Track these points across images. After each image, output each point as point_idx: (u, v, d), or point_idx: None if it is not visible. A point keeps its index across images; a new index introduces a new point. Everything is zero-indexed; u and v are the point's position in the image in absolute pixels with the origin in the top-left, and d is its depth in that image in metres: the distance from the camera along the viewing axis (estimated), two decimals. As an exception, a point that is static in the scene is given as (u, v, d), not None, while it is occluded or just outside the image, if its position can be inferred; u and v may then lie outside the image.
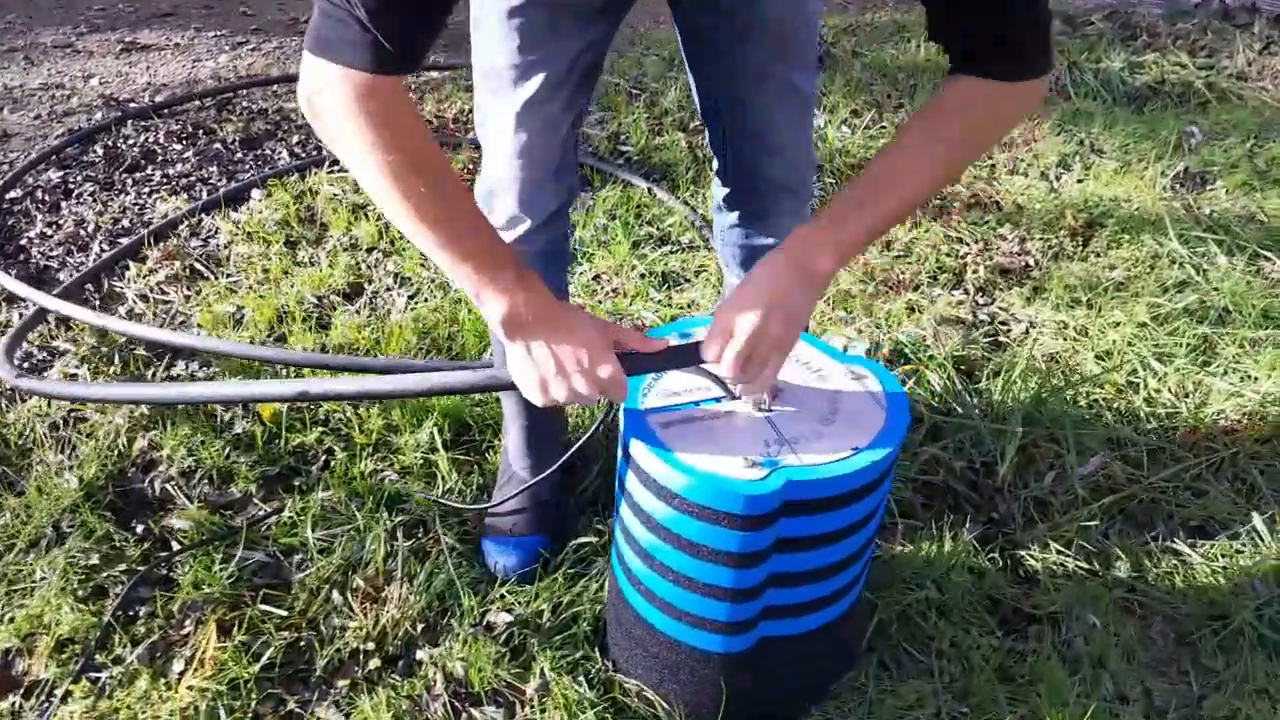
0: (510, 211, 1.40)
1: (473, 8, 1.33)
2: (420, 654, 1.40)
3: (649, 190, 2.58)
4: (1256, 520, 1.67)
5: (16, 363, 1.85)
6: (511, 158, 1.37)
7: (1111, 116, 3.14)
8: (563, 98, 1.34)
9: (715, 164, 1.53)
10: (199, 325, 2.04)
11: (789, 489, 1.08)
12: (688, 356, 1.17)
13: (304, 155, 2.76)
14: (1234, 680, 1.43)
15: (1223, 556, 1.62)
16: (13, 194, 2.57)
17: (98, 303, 2.14)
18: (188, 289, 2.17)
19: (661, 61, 3.37)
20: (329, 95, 0.99)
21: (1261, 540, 1.64)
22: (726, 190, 1.54)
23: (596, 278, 2.27)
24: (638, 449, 1.14)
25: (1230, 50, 3.86)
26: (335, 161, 2.66)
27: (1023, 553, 1.62)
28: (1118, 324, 2.12)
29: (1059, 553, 1.61)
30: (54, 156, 2.76)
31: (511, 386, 1.15)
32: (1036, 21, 1.02)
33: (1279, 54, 3.80)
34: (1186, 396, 1.95)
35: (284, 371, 1.86)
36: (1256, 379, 2.00)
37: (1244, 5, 4.75)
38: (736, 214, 1.56)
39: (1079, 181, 2.74)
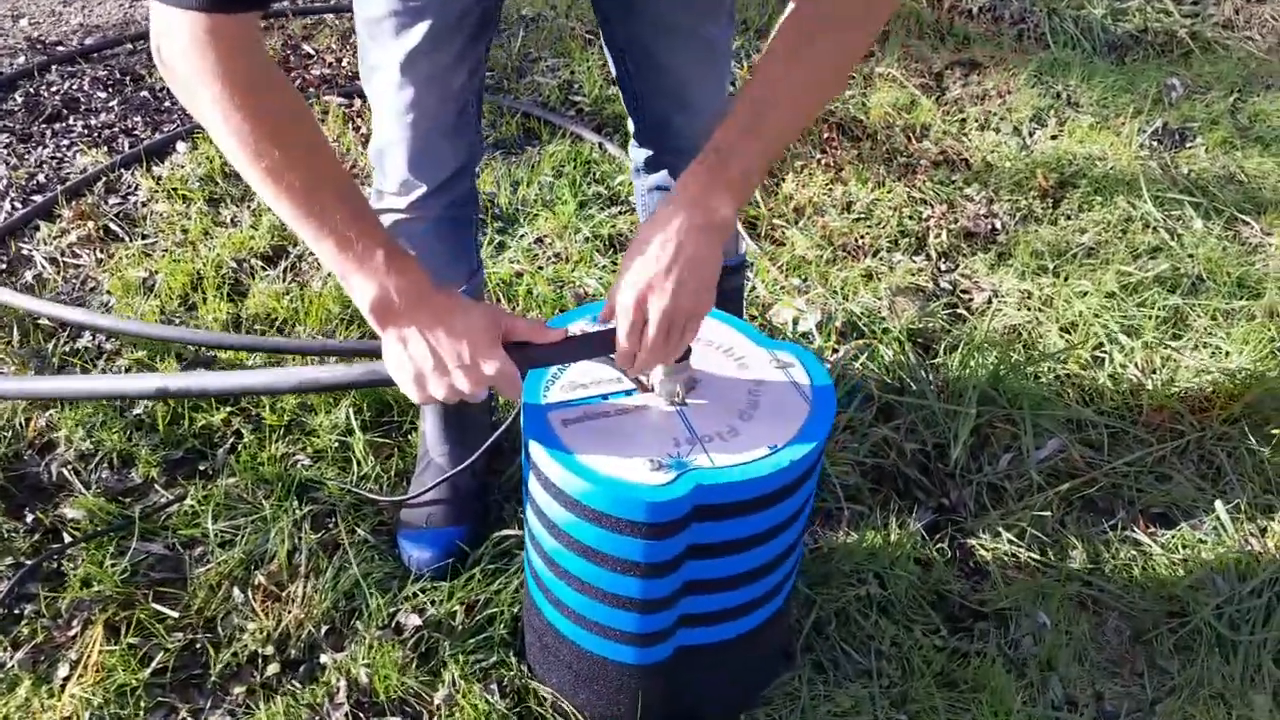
0: (401, 175, 1.29)
1: None
2: (323, 658, 1.30)
3: (599, 145, 2.44)
4: (1220, 509, 1.59)
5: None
6: (399, 114, 1.25)
7: (1090, 68, 3.00)
8: (453, 49, 1.21)
9: (630, 124, 1.42)
10: (108, 292, 1.91)
11: (698, 493, 0.98)
12: (591, 347, 1.06)
13: (236, 105, 2.60)
14: (1189, 684, 1.35)
15: (1184, 548, 1.54)
16: (-77, 145, 2.41)
17: (3, 266, 2.01)
18: (100, 251, 2.03)
19: None
20: (171, 41, 0.87)
21: (1224, 531, 1.56)
22: (645, 152, 1.44)
23: (539, 240, 2.14)
24: (536, 450, 1.03)
25: (1217, -3, 3.71)
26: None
27: (973, 543, 1.53)
28: (1085, 294, 2.01)
29: (1011, 543, 1.53)
30: (-31, 104, 2.59)
31: (390, 382, 1.04)
32: None
33: (1269, 1, 3.65)
34: (1154, 373, 1.86)
35: (187, 352, 1.75)
36: (1228, 354, 1.90)
37: (1234, -52, 4.59)
38: (656, 176, 1.46)
39: (1053, 138, 2.61)
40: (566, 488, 1.01)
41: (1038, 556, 1.51)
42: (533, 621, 1.23)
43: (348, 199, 0.96)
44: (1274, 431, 1.71)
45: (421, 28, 1.18)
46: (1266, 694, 1.35)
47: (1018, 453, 1.67)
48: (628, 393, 1.10)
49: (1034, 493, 1.60)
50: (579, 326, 1.13)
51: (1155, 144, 2.62)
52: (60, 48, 3.03)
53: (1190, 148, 2.63)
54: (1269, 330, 1.93)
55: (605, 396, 1.10)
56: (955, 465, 1.63)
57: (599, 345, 1.06)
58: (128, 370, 1.72)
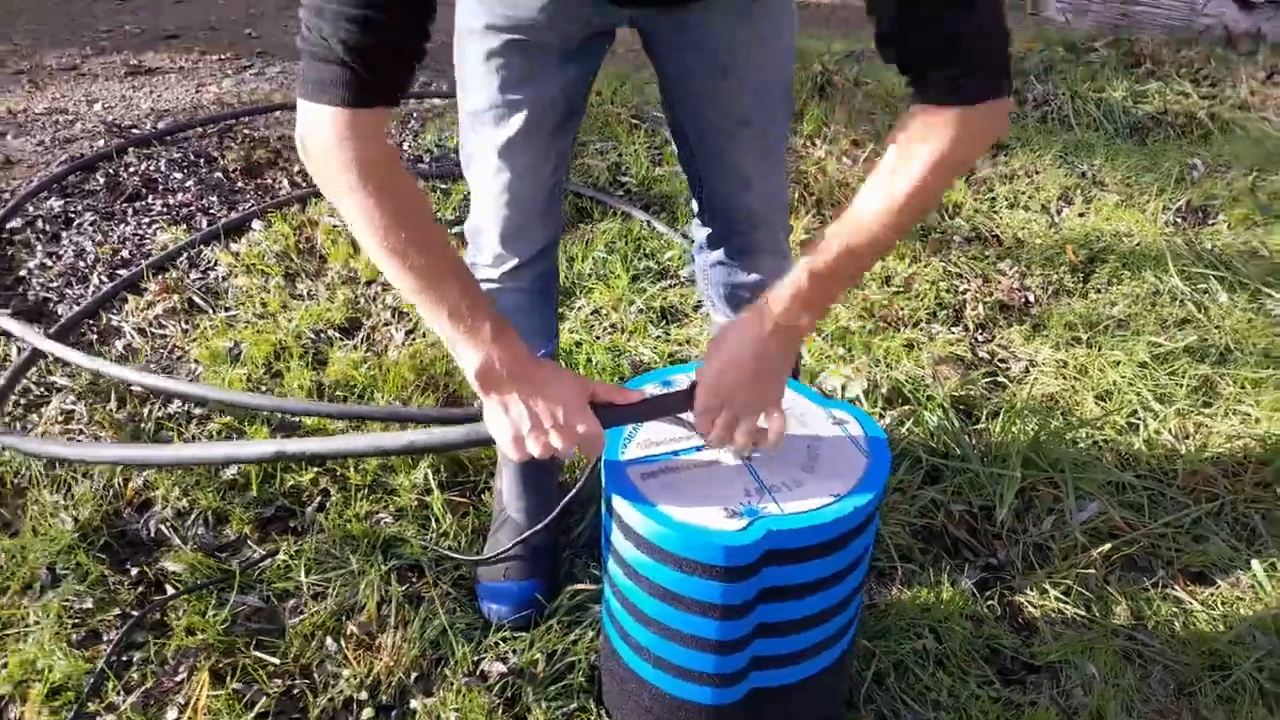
0: (495, 249, 1.42)
1: (455, 51, 1.34)
2: (414, 703, 1.39)
3: (648, 223, 2.58)
4: (1256, 567, 1.66)
5: (5, 413, 1.85)
6: (495, 196, 1.38)
7: (1113, 148, 3.13)
8: (543, 138, 1.35)
9: (694, 205, 1.54)
10: (196, 360, 2.04)
11: (770, 538, 1.08)
12: (666, 406, 1.17)
13: (304, 185, 2.76)
14: (1234, 735, 1.41)
15: (1223, 604, 1.61)
16: (13, 223, 2.57)
17: (95, 336, 2.14)
18: (185, 323, 2.17)
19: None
20: (317, 137, 1.00)
21: (1261, 588, 1.63)
22: (706, 230, 1.55)
23: (595, 312, 2.26)
24: (618, 502, 1.13)
25: (1234, 79, 3.86)
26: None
27: (1021, 599, 1.61)
28: (1118, 363, 2.11)
29: (1058, 600, 1.60)
30: (55, 185, 2.77)
31: (490, 442, 1.15)
32: (984, 31, 0.97)
33: (1281, 83, 3.80)
34: (1187, 438, 1.94)
35: (274, 418, 1.86)
36: (1258, 420, 1.99)
37: (1248, 32, 4.76)
38: (717, 253, 1.56)
39: (1080, 215, 2.74)
40: (648, 535, 1.11)
41: (1083, 612, 1.58)
42: (612, 667, 1.32)
43: (460, 276, 1.09)
44: (1306, 495, 1.78)
45: (517, 120, 1.32)
46: (1310, 746, 1.41)
47: (1060, 514, 1.75)
48: (698, 448, 1.21)
49: (1078, 552, 1.68)
50: (650, 389, 1.24)
51: (1179, 221, 2.73)
52: (135, 131, 3.23)
53: (1213, 224, 2.74)
54: (1297, 398, 2.02)
55: (677, 453, 1.20)
56: (1001, 526, 1.72)
57: (672, 406, 1.17)
58: (222, 435, 1.84)
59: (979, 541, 1.70)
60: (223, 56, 4.26)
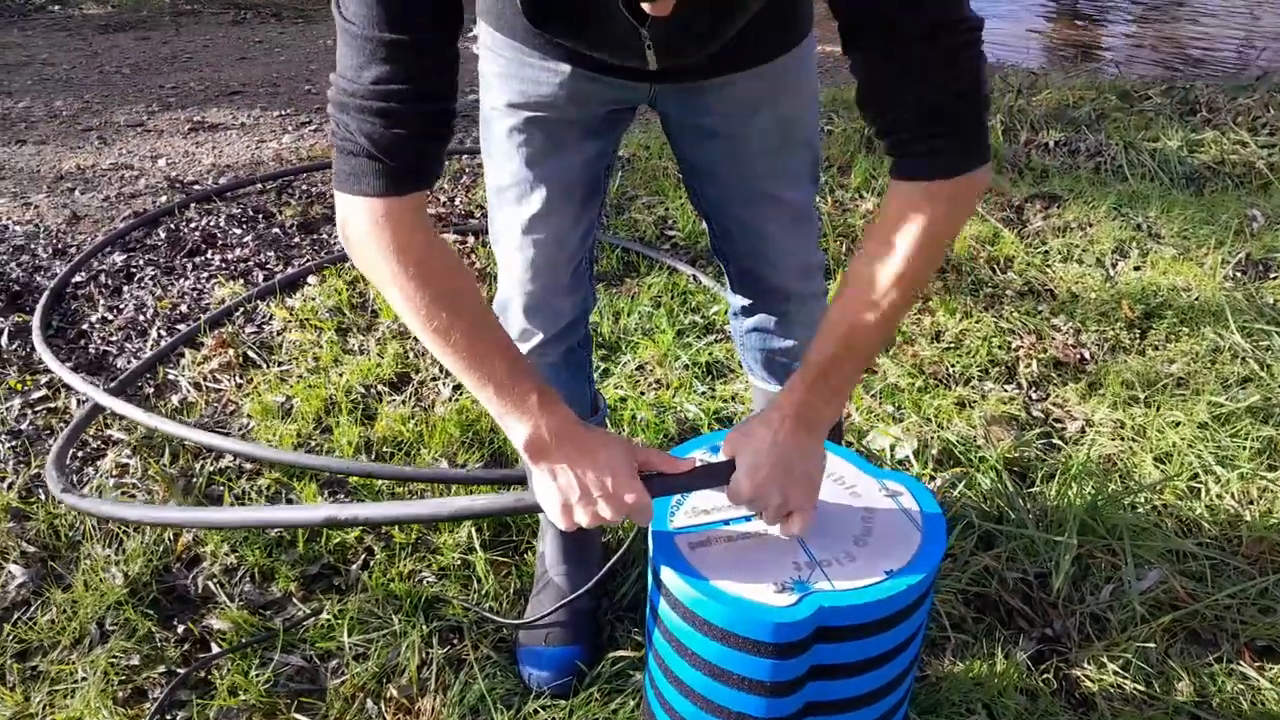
0: (521, 324, 1.42)
1: (481, 129, 1.36)
2: (452, 771, 1.37)
3: (693, 277, 2.58)
4: (1329, 642, 1.59)
5: (68, 469, 1.89)
6: (520, 272, 1.38)
7: (1169, 199, 3.08)
8: (569, 213, 1.35)
9: (725, 276, 1.53)
10: (249, 415, 2.07)
11: (821, 615, 1.05)
12: (715, 476, 1.16)
13: (358, 240, 2.81)
14: (1308, 824, 1.34)
15: (1294, 682, 1.54)
16: (78, 277, 2.65)
17: (152, 390, 2.19)
18: (239, 377, 2.21)
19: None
20: (354, 226, 1.02)
21: (1335, 665, 1.56)
22: (740, 299, 1.54)
23: (640, 368, 2.26)
24: (666, 573, 1.12)
25: (1293, 127, 3.78)
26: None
27: (1078, 673, 1.55)
28: (1177, 424, 2.05)
29: (1116, 674, 1.54)
30: (119, 240, 2.85)
31: (538, 509, 1.15)
32: (965, 99, 0.98)
33: (1345, 131, 3.71)
34: (1251, 504, 1.88)
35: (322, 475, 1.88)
36: (1327, 485, 1.91)
37: (1307, 78, 4.67)
38: (752, 319, 1.56)
39: (1135, 269, 2.68)
40: (695, 608, 1.09)
41: (1143, 688, 1.52)
42: (655, 738, 1.29)
43: (504, 350, 1.09)
44: (1381, 566, 1.71)
45: (540, 195, 1.32)
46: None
47: (1119, 583, 1.69)
48: (747, 518, 1.19)
49: (1137, 624, 1.62)
50: (698, 455, 1.23)
51: (1239, 275, 2.67)
52: (197, 187, 3.32)
53: (1275, 278, 2.67)
54: (1369, 462, 1.94)
55: (726, 521, 1.19)
56: (1057, 595, 1.66)
57: (720, 475, 1.15)
58: (272, 490, 1.86)
59: (1034, 611, 1.65)
60: (283, 112, 4.38)
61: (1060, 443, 2.03)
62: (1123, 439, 2.03)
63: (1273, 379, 2.23)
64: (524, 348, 1.44)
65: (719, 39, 1.12)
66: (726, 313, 2.40)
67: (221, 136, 4.03)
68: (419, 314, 1.03)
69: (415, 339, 2.35)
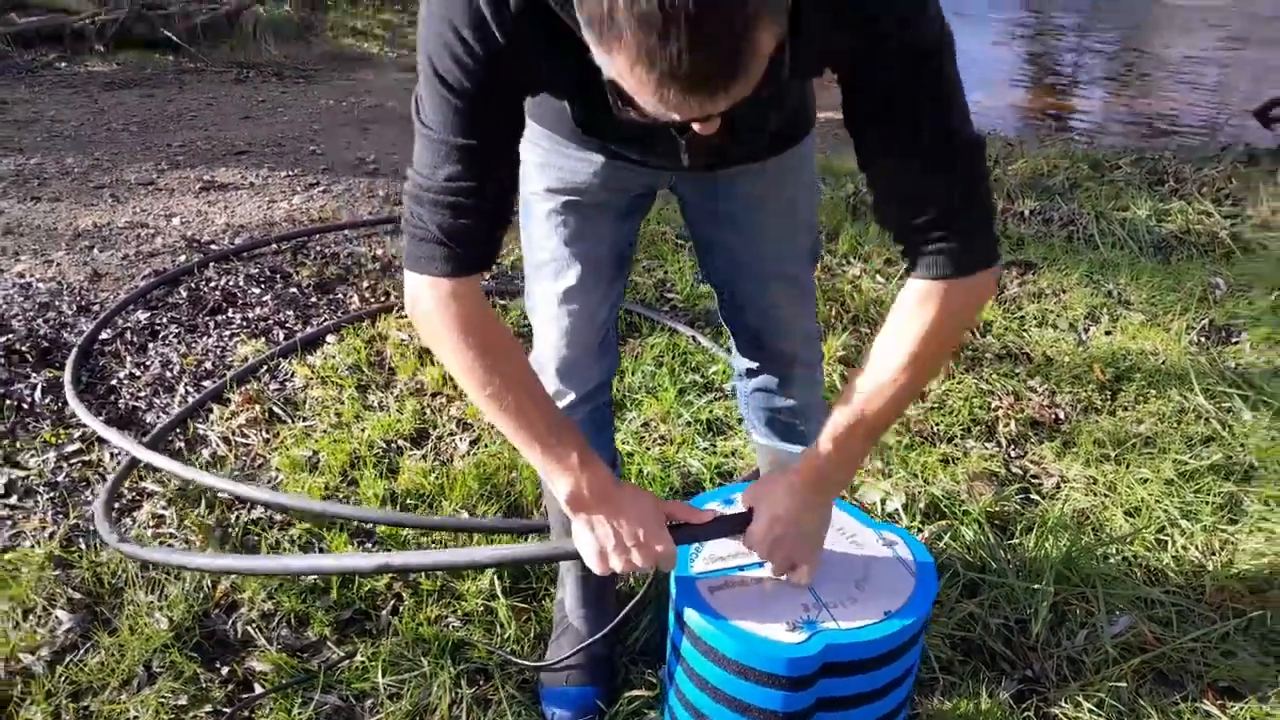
0: (554, 385, 1.55)
1: (520, 211, 1.51)
2: (483, 801, 1.48)
3: (693, 338, 2.74)
4: (1286, 683, 1.73)
5: (115, 518, 2.01)
6: (556, 338, 1.52)
7: (1138, 267, 3.27)
8: (600, 285, 1.50)
9: (733, 342, 1.68)
10: (277, 469, 2.19)
11: (828, 651, 1.19)
12: (732, 525, 1.30)
13: (373, 300, 2.96)
14: None
15: (1254, 718, 1.68)
16: (104, 334, 2.77)
17: (183, 444, 2.31)
18: (266, 432, 2.33)
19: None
20: (422, 302, 1.17)
21: (1292, 704, 1.70)
22: (745, 362, 1.69)
23: (645, 424, 2.40)
24: (690, 614, 1.25)
25: (1254, 198, 4.00)
26: (403, 307, 2.86)
27: (1056, 711, 1.68)
28: (1145, 480, 2.21)
29: (1091, 712, 1.67)
30: (141, 298, 2.98)
31: (576, 557, 1.28)
32: (973, 205, 1.12)
33: (1302, 202, 3.94)
34: (1213, 555, 2.02)
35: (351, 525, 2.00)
36: (1283, 537, 2.06)
37: (1269, 150, 4.93)
38: (756, 380, 1.70)
39: (1106, 334, 2.86)
40: (716, 645, 1.22)
41: (1116, 725, 1.66)
42: (672, 771, 1.41)
43: (549, 414, 1.23)
44: (1332, 613, 1.85)
45: (575, 270, 1.47)
46: None
47: (1093, 628, 1.83)
48: (759, 564, 1.32)
49: (1109, 665, 1.76)
50: (714, 507, 1.37)
51: (1203, 339, 2.85)
52: (214, 246, 3.46)
53: (1236, 343, 2.85)
54: (1321, 516, 2.10)
55: (741, 567, 1.32)
56: (1037, 639, 1.80)
57: (738, 525, 1.29)
58: (303, 540, 1.98)
59: (1015, 654, 1.78)
60: (290, 173, 4.54)
61: (1037, 497, 2.18)
62: (1095, 494, 2.19)
63: (1234, 438, 2.39)
64: (558, 406, 1.58)
65: (747, 146, 1.28)
66: (726, 372, 2.56)
67: (233, 196, 4.18)
68: (477, 380, 1.18)
69: (432, 396, 2.49)
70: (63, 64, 6.99)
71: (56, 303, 2.99)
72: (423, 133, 1.11)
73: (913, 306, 1.17)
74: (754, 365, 1.68)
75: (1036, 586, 1.86)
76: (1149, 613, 1.87)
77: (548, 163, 1.42)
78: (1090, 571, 1.92)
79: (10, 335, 2.72)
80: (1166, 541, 2.05)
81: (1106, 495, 2.18)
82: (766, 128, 1.25)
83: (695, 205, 1.51)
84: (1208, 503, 2.14)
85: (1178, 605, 1.88)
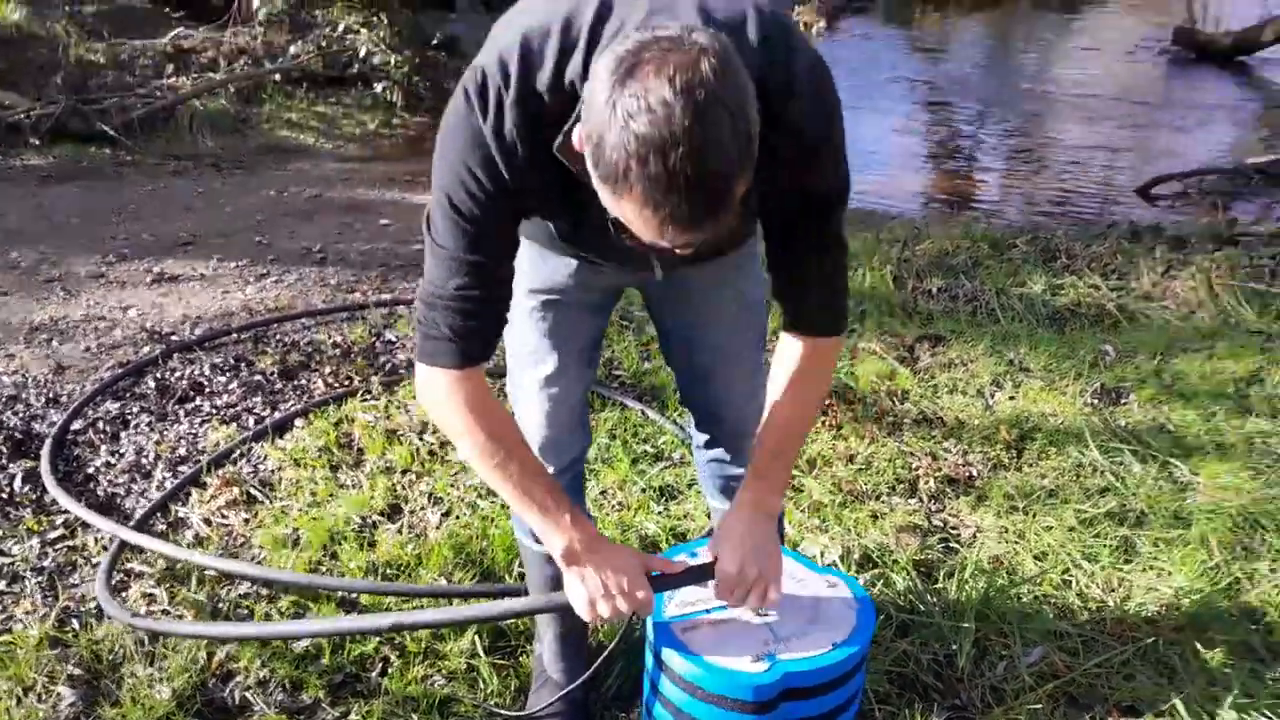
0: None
1: None
2: (479, 838, 1.64)
3: (642, 412, 2.96)
4: (1177, 702, 1.98)
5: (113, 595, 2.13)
6: (539, 419, 1.72)
7: (1036, 338, 3.62)
8: (575, 371, 1.72)
9: (691, 418, 1.91)
10: (260, 546, 2.33)
11: (787, 679, 1.40)
12: (702, 574, 1.51)
13: (337, 385, 3.12)
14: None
15: (1150, 733, 1.92)
16: (76, 425, 2.88)
17: (166, 526, 2.43)
18: (245, 512, 2.47)
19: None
20: (435, 390, 1.38)
21: (1181, 718, 1.95)
22: (702, 435, 1.91)
23: (603, 492, 2.60)
24: (668, 653, 1.45)
25: (1136, 273, 4.42)
26: (368, 391, 3.03)
27: (982, 734, 1.91)
28: (1050, 528, 2.48)
29: (1013, 733, 1.90)
30: (109, 389, 3.09)
31: (568, 607, 1.47)
32: (844, 282, 1.51)
33: (1178, 276, 4.36)
34: (1113, 591, 2.29)
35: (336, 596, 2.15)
36: (1171, 574, 2.34)
37: (1150, 226, 5.40)
38: (711, 452, 1.92)
39: (1010, 398, 3.17)
40: (691, 678, 1.42)
41: (1035, 743, 1.88)
42: (652, 797, 1.59)
43: (545, 481, 1.44)
44: (1213, 636, 2.12)
45: (553, 360, 1.69)
46: None
47: (1011, 660, 2.07)
48: (722, 606, 1.53)
49: (1027, 691, 1.99)
50: (682, 558, 1.58)
51: (1095, 401, 3.18)
52: (174, 337, 3.59)
53: (1125, 404, 3.19)
54: (1201, 554, 2.39)
55: (709, 610, 1.53)
56: (963, 672, 2.03)
57: (706, 572, 1.50)
58: (291, 612, 2.12)
59: (944, 685, 2.01)
60: (239, 263, 4.67)
61: (957, 545, 2.43)
62: (1007, 541, 2.45)
63: (1126, 489, 2.69)
64: None
65: (711, 257, 1.55)
66: (674, 442, 2.78)
67: (185, 287, 4.31)
68: (483, 454, 1.38)
69: (402, 473, 2.66)
70: (-1, 157, 7.01)
71: (23, 395, 3.09)
72: (436, 251, 1.33)
73: (805, 359, 1.51)
74: (709, 438, 1.91)
75: (961, 625, 2.10)
76: (1059, 644, 2.12)
77: (530, 268, 1.65)
78: (1006, 610, 2.16)
79: (-19, 428, 2.82)
80: (1071, 581, 2.31)
81: (1017, 542, 2.45)
82: (726, 248, 1.53)
83: (657, 298, 1.75)
84: (1105, 546, 2.42)
85: (1083, 636, 2.14)
